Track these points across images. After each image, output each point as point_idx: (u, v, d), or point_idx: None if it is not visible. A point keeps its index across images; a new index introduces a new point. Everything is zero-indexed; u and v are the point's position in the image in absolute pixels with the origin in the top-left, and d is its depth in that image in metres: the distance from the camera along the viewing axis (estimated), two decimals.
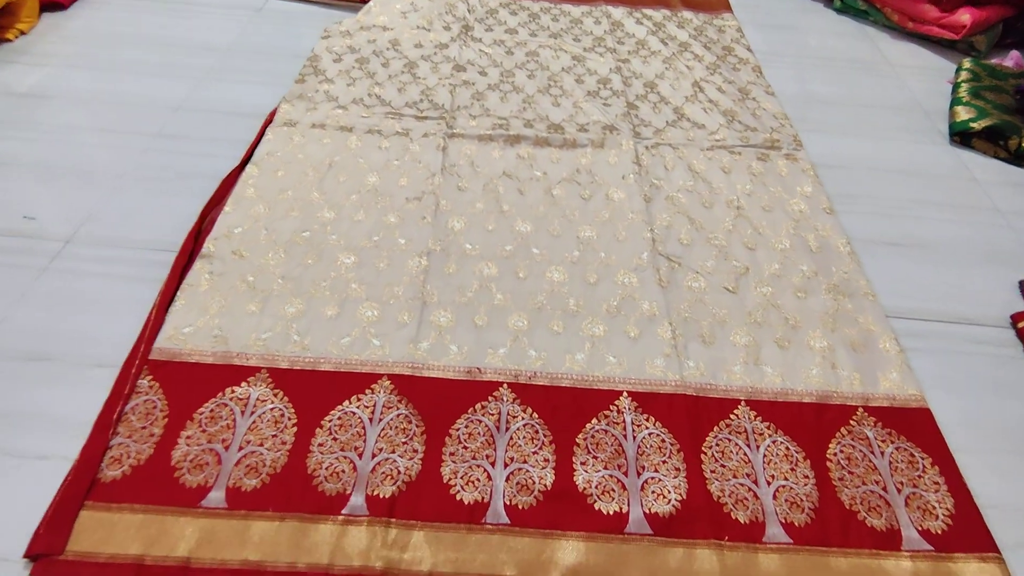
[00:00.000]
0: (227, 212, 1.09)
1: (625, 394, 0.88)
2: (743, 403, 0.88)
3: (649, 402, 0.87)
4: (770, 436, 0.85)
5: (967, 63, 1.59)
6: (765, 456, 0.83)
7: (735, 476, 0.81)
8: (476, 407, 0.85)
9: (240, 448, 0.79)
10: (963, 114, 1.43)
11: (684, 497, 0.78)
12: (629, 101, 1.42)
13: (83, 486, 0.74)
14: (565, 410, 0.86)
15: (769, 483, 0.80)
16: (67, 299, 0.96)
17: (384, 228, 1.09)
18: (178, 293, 0.96)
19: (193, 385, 0.85)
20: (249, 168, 1.18)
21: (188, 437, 0.80)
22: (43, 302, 0.95)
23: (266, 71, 1.46)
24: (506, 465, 0.80)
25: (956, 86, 1.53)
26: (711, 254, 1.09)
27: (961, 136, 1.41)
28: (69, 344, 0.90)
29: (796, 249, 1.11)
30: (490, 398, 0.87)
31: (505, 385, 0.88)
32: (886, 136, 1.44)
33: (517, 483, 0.78)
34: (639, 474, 0.80)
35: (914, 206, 1.25)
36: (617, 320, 0.97)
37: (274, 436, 0.81)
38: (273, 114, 1.31)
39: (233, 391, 0.85)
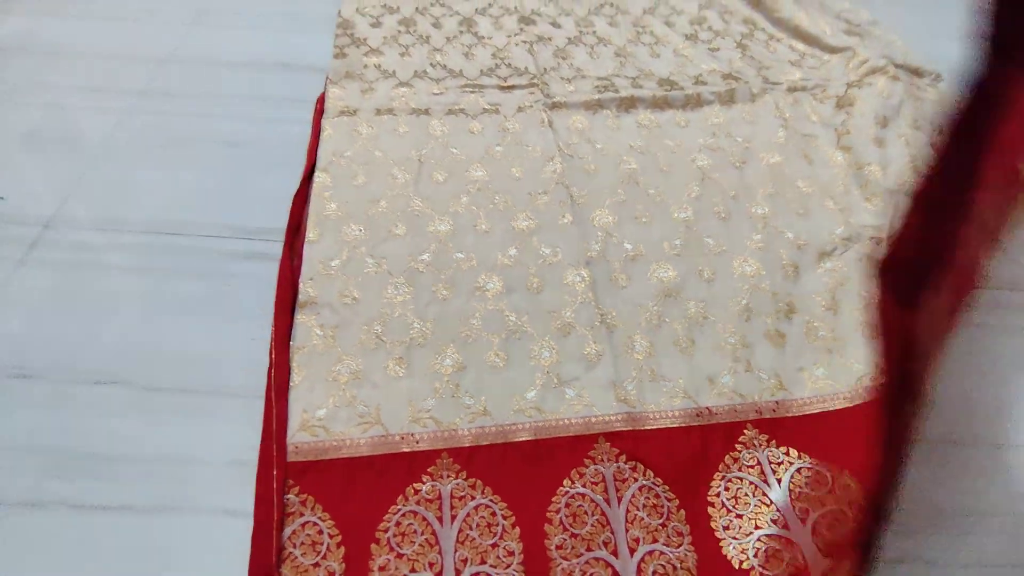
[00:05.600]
0: (312, 240, 0.83)
1: None
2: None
3: None
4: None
5: None
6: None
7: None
8: (726, 461, 0.67)
9: (457, 572, 0.59)
10: None
11: None
12: (738, 41, 1.20)
13: None
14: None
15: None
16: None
17: (518, 237, 0.86)
18: (291, 363, 0.72)
19: (358, 491, 0.63)
20: (319, 177, 0.91)
21: (382, 568, 0.59)
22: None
23: (258, 12, 1.25)
24: None
25: None
26: None
27: None
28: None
29: None
30: (739, 446, 0.68)
31: (749, 425, 0.70)
32: None
33: None
34: None
35: None
36: None
37: (494, 546, 0.60)
38: (321, 102, 1.03)
39: (416, 490, 0.63)
